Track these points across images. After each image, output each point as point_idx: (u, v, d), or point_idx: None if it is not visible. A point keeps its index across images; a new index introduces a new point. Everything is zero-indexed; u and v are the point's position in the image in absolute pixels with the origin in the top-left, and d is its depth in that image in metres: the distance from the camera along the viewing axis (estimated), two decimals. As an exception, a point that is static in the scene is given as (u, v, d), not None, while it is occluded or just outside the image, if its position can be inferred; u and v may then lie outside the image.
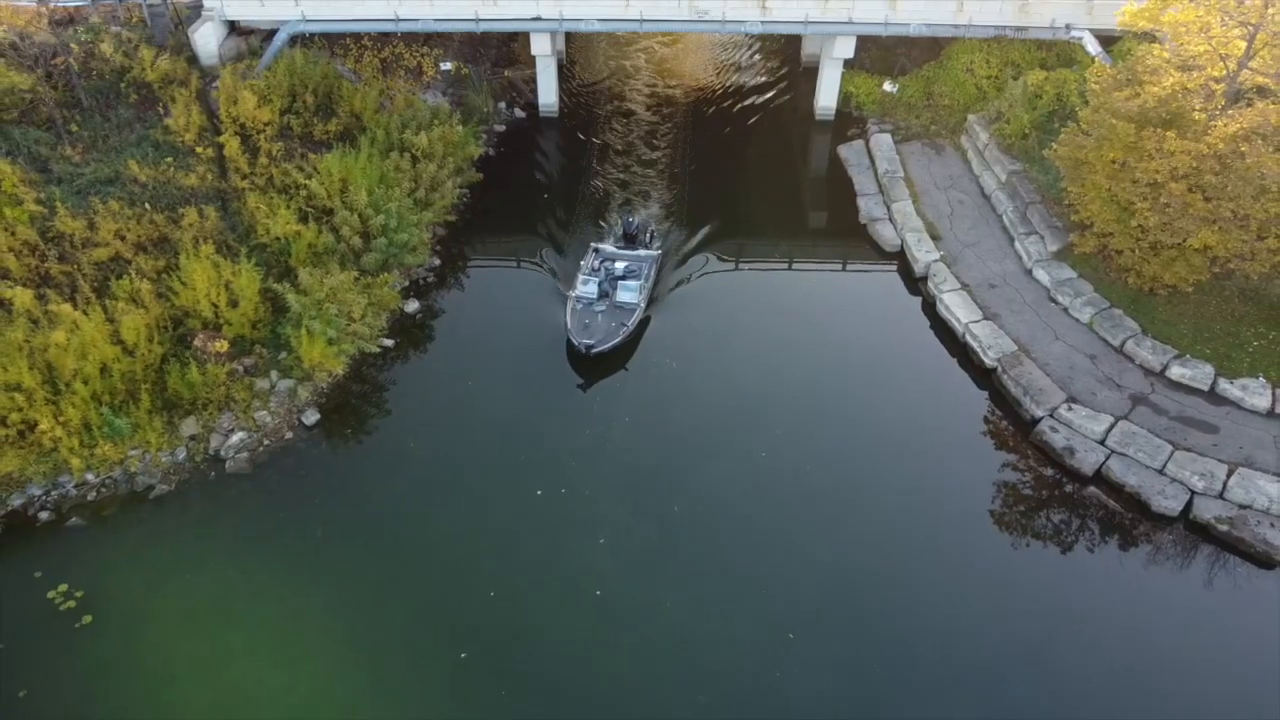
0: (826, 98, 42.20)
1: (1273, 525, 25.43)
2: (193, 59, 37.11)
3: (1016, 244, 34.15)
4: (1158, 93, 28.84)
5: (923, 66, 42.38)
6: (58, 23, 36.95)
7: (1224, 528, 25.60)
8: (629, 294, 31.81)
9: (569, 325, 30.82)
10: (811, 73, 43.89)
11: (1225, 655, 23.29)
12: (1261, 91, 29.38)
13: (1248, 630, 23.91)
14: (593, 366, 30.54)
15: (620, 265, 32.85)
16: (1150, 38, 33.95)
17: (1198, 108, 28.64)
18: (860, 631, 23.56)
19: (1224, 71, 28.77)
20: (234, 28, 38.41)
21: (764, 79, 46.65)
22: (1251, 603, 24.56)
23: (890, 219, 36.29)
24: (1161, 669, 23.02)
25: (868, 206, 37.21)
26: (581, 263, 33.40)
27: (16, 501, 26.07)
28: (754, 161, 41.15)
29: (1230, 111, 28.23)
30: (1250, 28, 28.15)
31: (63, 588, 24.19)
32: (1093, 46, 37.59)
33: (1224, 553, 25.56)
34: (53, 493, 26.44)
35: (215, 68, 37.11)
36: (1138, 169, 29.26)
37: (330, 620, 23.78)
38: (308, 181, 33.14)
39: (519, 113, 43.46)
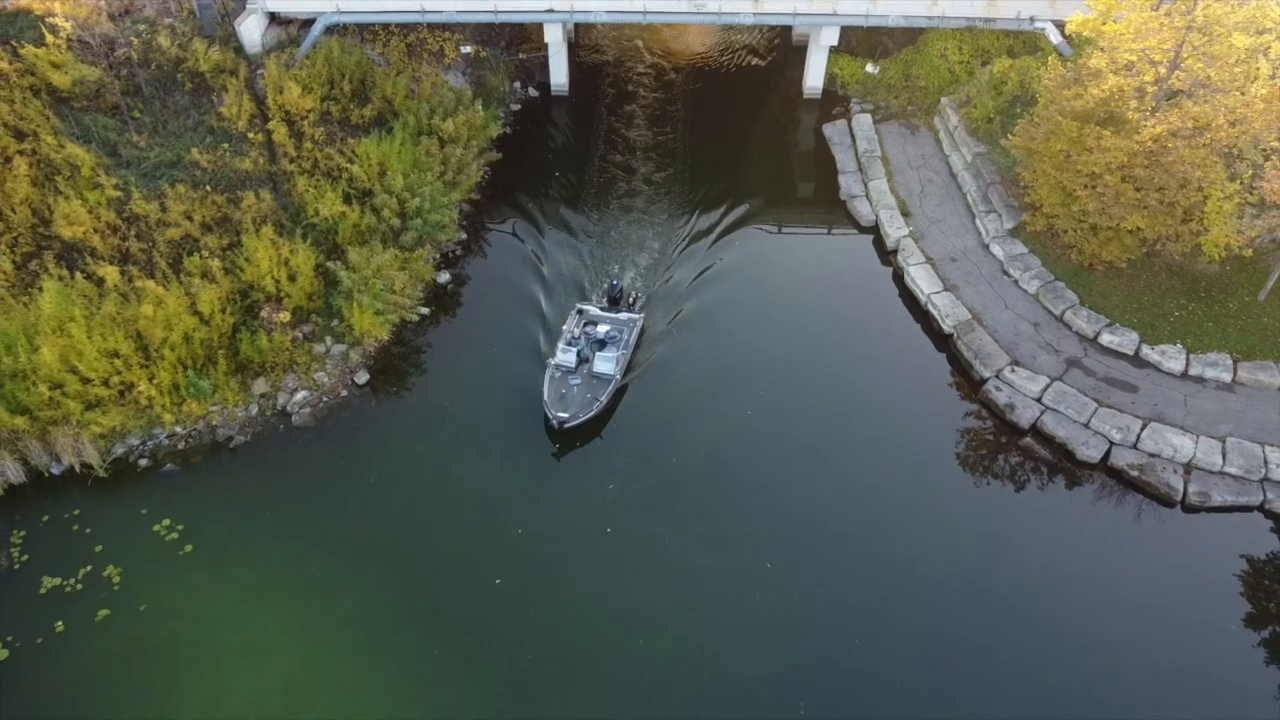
0: (814, 79, 46.13)
1: (1175, 471, 30.34)
2: (239, 49, 40.96)
3: (977, 221, 38.51)
4: (1097, 94, 32.95)
5: (902, 50, 46.23)
6: (111, 16, 40.74)
7: (1135, 473, 30.51)
8: (606, 365, 32.43)
9: (545, 395, 31.70)
10: (802, 50, 47.67)
11: (1131, 574, 28.30)
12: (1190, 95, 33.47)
13: (1149, 555, 28.95)
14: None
15: (602, 329, 33.57)
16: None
17: (1132, 108, 32.77)
18: (826, 561, 28.49)
19: (1155, 76, 32.82)
20: (274, 18, 42.14)
21: (758, 58, 50.38)
22: (1154, 534, 29.57)
23: (867, 196, 40.58)
24: (1078, 586, 28.00)
25: (847, 184, 41.46)
26: (564, 326, 34.14)
27: (120, 450, 30.92)
28: (747, 137, 45.24)
29: (1159, 113, 32.39)
30: (1180, 32, 32.08)
31: (166, 522, 29.17)
32: (1054, 36, 41.47)
33: (1134, 493, 30.52)
34: (149, 443, 31.28)
35: (259, 56, 41.00)
36: (1079, 161, 33.56)
37: (384, 551, 28.66)
38: (349, 166, 37.36)
39: (532, 92, 47.39)
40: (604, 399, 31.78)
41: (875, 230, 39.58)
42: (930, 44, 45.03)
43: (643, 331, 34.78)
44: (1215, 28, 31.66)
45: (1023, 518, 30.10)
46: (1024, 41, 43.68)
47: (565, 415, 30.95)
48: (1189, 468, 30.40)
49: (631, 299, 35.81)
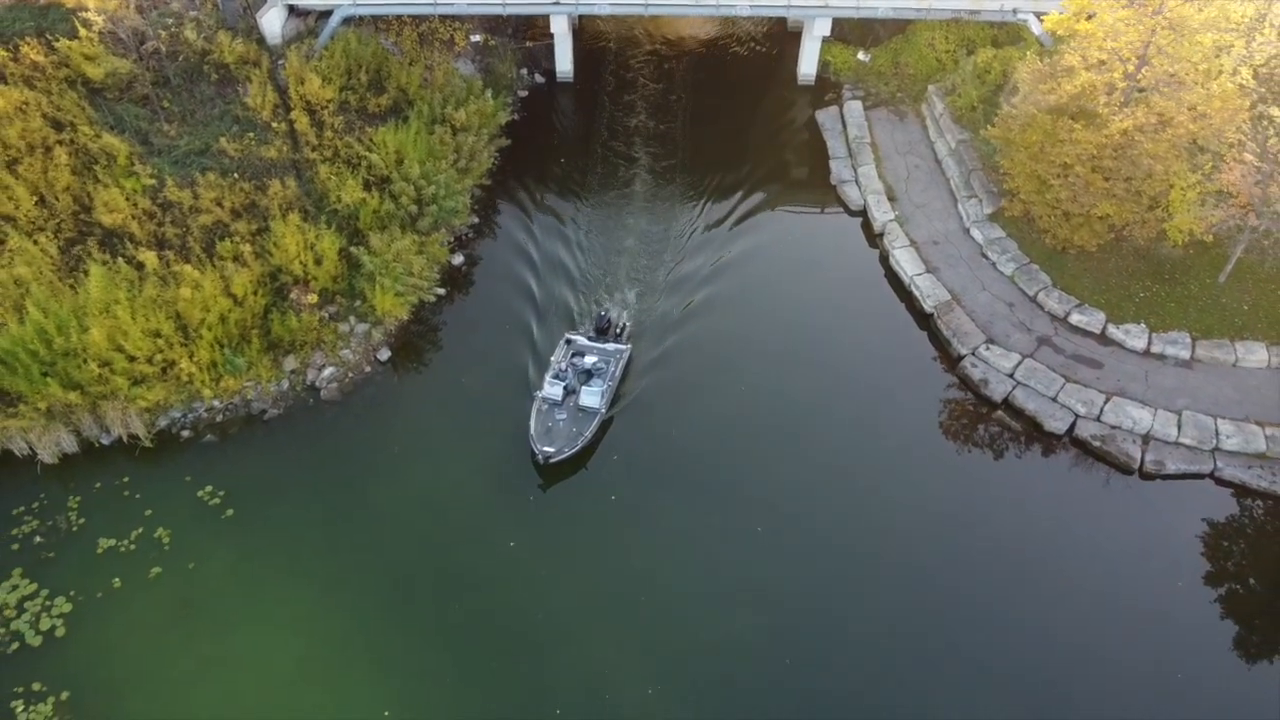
0: (807, 66, 48.26)
1: (1134, 442, 33.01)
2: (261, 40, 43.08)
3: (959, 205, 40.89)
4: (1070, 90, 35.21)
5: (892, 39, 48.29)
6: (139, 9, 42.81)
7: (1098, 443, 33.17)
8: (592, 398, 33.10)
9: (532, 428, 32.49)
10: (797, 38, 49.62)
11: (1090, 535, 31.10)
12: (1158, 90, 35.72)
13: (1108, 519, 31.69)
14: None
15: (589, 360, 34.37)
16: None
17: (1102, 103, 35.02)
18: (812, 525, 31.20)
19: (1124, 73, 35.04)
20: (293, 10, 44.20)
21: (755, 45, 52.39)
22: (1112, 499, 32.30)
23: (856, 181, 42.92)
24: (1043, 545, 30.81)
25: (838, 169, 43.78)
26: (552, 358, 34.77)
27: (163, 423, 33.60)
28: (743, 123, 47.43)
29: (1127, 108, 34.68)
30: (1148, 31, 34.27)
31: (208, 489, 31.92)
32: (1036, 28, 43.55)
33: (1096, 462, 33.20)
34: (189, 416, 33.95)
35: (280, 48, 43.12)
36: (1052, 152, 35.91)
37: (407, 514, 31.40)
38: (368, 154, 39.68)
39: (539, 78, 49.54)
40: (589, 434, 32.58)
41: (864, 214, 41.94)
42: (919, 33, 47.09)
43: (630, 362, 35.45)
44: (1182, 26, 33.84)
45: (994, 484, 32.81)
46: (1008, 32, 45.75)
47: (551, 450, 31.80)
48: (1147, 439, 33.06)
49: (619, 329, 36.29)
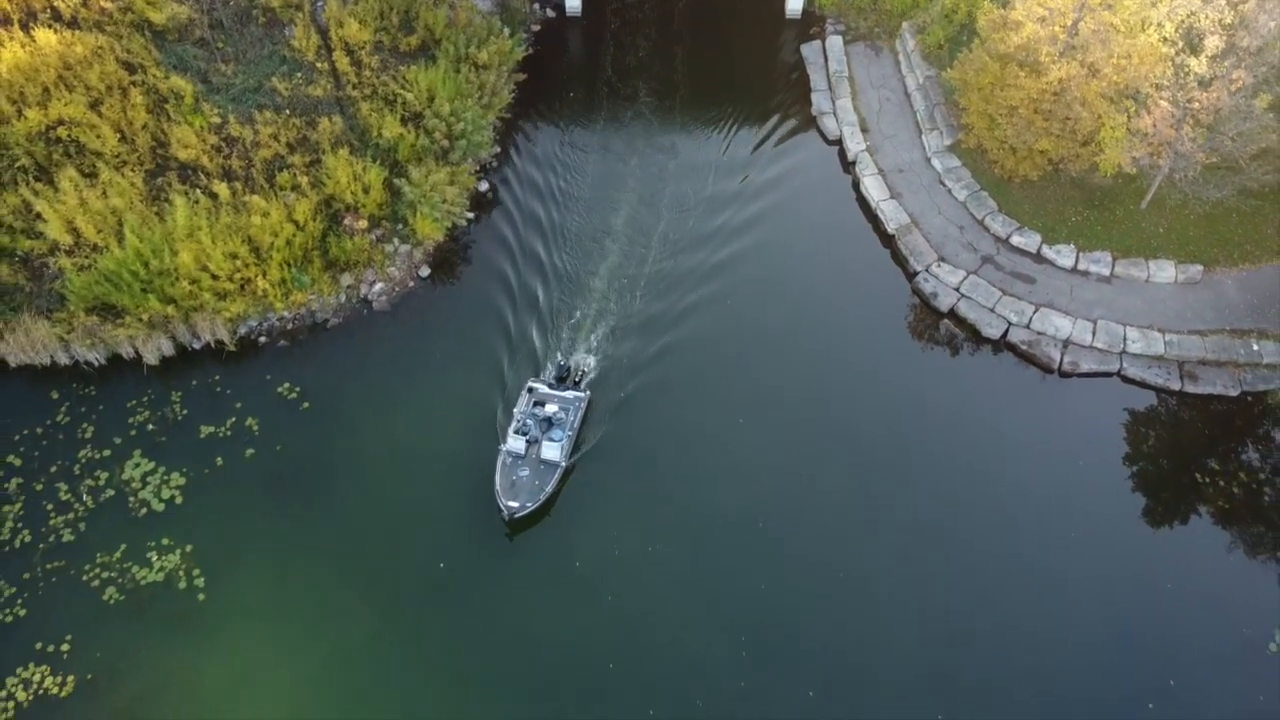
0: (794, 1, 52.92)
1: (1055, 346, 39.52)
2: (300, -17, 47.86)
3: (923, 137, 46.43)
4: (1017, 40, 40.49)
5: (872, -26, 52.85)
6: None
7: (1025, 347, 39.70)
8: (552, 451, 34.91)
9: (498, 484, 34.52)
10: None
11: (1015, 421, 38.13)
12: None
13: (1030, 408, 38.57)
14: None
15: (550, 409, 36.25)
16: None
17: (1045, 53, 40.30)
18: (785, 416, 37.99)
19: (1062, 25, 40.21)
20: (328, -47, 48.74)
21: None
22: (1034, 393, 39.12)
23: (834, 113, 48.31)
24: (976, 430, 37.79)
25: (818, 101, 49.10)
26: (515, 409, 36.59)
27: (243, 331, 40.03)
28: (735, 54, 52.43)
29: (1063, 59, 40.01)
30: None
31: (286, 385, 38.57)
32: (1002, -30, 48.18)
33: (1023, 362, 39.82)
34: (264, 324, 40.35)
35: (317, -11, 47.95)
36: (1001, 95, 41.42)
37: (451, 403, 38.19)
38: (403, 92, 45.05)
39: (550, 12, 54.22)
40: (550, 487, 34.67)
41: (840, 144, 47.49)
42: (897, -31, 51.69)
43: (589, 407, 37.47)
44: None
45: (938, 380, 39.48)
46: (978, -29, 50.31)
47: (515, 505, 33.91)
48: (1066, 343, 39.57)
49: (578, 377, 38.29)
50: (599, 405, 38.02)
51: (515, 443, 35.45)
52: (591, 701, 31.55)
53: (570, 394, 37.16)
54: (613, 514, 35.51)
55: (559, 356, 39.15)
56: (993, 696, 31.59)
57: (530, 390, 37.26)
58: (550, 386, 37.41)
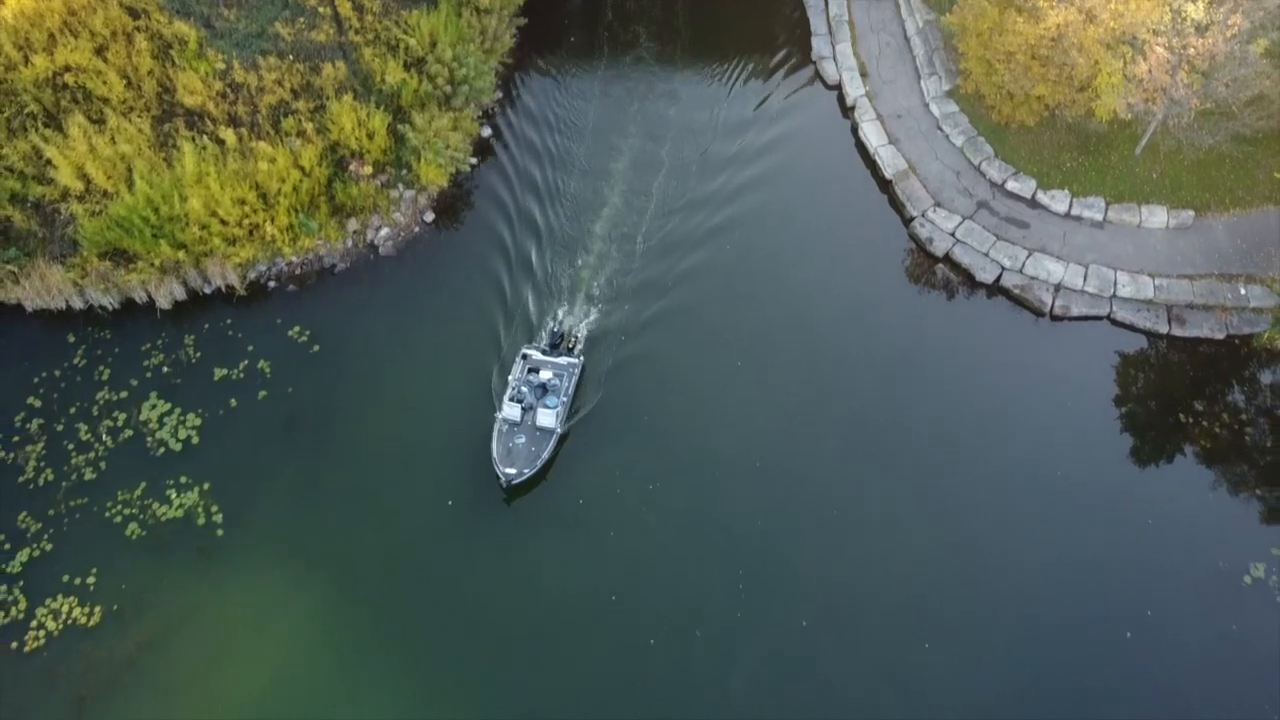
0: (795, -56, 52.82)
1: (1047, 290, 40.39)
2: (301, -73, 47.78)
3: (922, 82, 46.76)
4: (1016, -14, 40.77)
5: (874, -83, 52.61)
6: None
7: (1018, 291, 40.58)
8: (547, 418, 35.39)
9: (494, 450, 35.00)
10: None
11: (1006, 362, 39.21)
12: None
13: (1022, 351, 39.61)
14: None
15: (544, 375, 36.72)
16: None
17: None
18: (781, 359, 39.02)
19: (1063, -29, 40.47)
20: (327, -104, 48.58)
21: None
22: (1026, 336, 40.10)
23: (833, 58, 48.57)
24: (971, 370, 38.93)
25: (819, 45, 49.32)
26: (510, 377, 37.17)
27: (253, 275, 40.91)
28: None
29: (1060, 4, 40.29)
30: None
31: (296, 328, 39.58)
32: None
33: (1016, 306, 40.73)
34: (273, 269, 41.22)
35: (318, -67, 47.88)
36: (999, 41, 41.74)
37: (458, 346, 39.25)
38: (405, 37, 45.32)
39: (550, -47, 54.16)
40: (546, 454, 35.24)
41: (839, 89, 47.84)
42: (897, -86, 51.47)
43: (583, 372, 37.87)
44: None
45: (932, 324, 40.43)
46: (977, -86, 50.18)
47: (512, 472, 34.49)
48: (1058, 288, 40.42)
49: (572, 343, 38.62)
50: (607, 335, 39.29)
51: (510, 410, 35.81)
52: (593, 632, 33.06)
53: (564, 360, 37.48)
54: (614, 455, 36.68)
55: (562, 303, 40.07)
56: (977, 625, 33.09)
57: (525, 357, 37.58)
58: (544, 353, 37.73)
